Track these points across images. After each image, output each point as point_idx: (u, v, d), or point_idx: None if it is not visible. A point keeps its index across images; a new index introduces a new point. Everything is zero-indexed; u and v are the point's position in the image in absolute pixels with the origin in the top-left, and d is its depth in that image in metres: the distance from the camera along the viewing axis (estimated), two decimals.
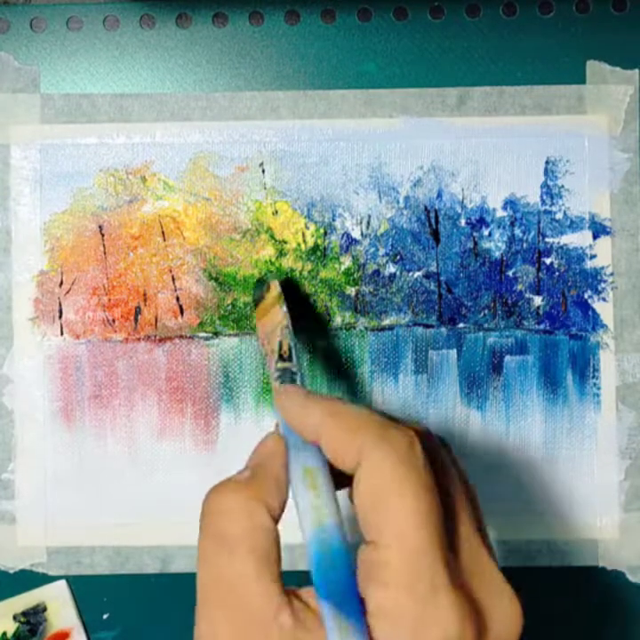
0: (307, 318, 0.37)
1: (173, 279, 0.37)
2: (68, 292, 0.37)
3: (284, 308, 0.32)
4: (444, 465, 0.24)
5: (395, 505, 0.21)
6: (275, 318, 0.32)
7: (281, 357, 0.29)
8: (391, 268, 0.37)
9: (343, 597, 0.21)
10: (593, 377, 0.36)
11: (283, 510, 0.23)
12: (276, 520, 0.23)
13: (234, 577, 0.22)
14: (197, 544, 0.23)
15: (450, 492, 0.23)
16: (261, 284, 0.35)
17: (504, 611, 0.21)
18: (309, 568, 0.22)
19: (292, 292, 0.36)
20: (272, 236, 0.37)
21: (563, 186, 0.37)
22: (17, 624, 0.36)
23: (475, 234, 0.37)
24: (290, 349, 0.29)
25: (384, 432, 0.22)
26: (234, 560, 0.22)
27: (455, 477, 0.24)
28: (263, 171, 0.37)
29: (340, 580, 0.21)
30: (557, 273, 0.37)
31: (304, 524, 0.23)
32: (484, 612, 0.21)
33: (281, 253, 0.37)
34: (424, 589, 0.20)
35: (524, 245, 0.37)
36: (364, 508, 0.22)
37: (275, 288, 0.33)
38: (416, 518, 0.20)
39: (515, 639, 0.22)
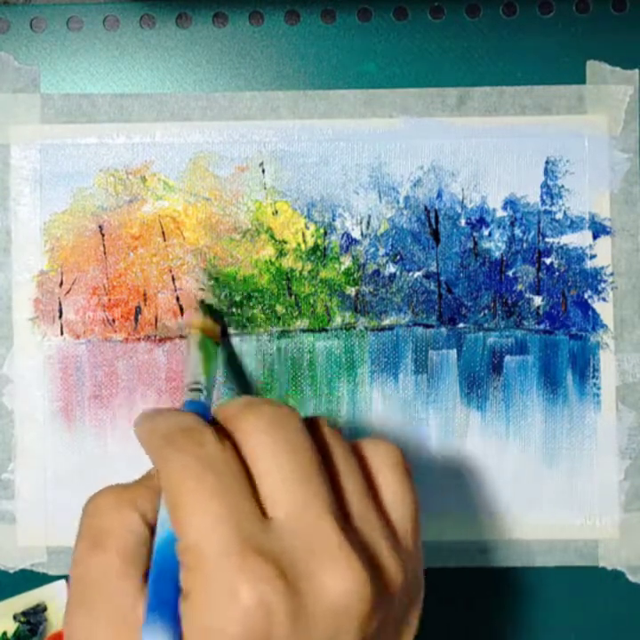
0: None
1: (173, 279, 0.37)
2: (68, 292, 0.37)
3: (193, 333, 0.34)
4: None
5: (189, 509, 0.21)
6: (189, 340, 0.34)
7: (189, 377, 0.31)
8: (391, 268, 0.37)
9: (162, 587, 0.22)
10: (593, 377, 0.37)
11: (153, 512, 0.24)
12: (149, 526, 0.24)
13: (98, 573, 0.22)
14: (75, 542, 0.24)
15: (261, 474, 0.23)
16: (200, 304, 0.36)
17: (323, 576, 0.21)
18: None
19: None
20: (272, 236, 0.37)
21: (563, 186, 0.37)
22: (17, 624, 0.36)
23: (475, 234, 0.37)
24: (193, 367, 0.31)
25: (171, 438, 0.24)
26: (99, 555, 0.23)
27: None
28: (263, 171, 0.37)
29: (166, 585, 0.22)
30: (557, 273, 0.37)
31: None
32: (299, 578, 0.21)
33: (281, 253, 0.37)
34: (226, 569, 0.20)
35: (524, 245, 0.37)
36: (170, 514, 0.22)
37: (199, 310, 0.36)
38: (213, 519, 0.21)
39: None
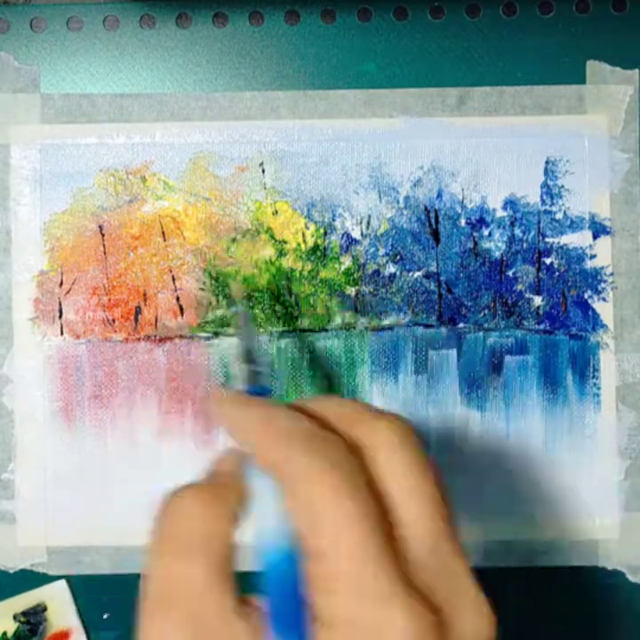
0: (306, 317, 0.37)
1: (173, 279, 0.37)
2: (68, 292, 0.37)
3: (240, 309, 0.33)
4: (391, 461, 0.22)
5: (327, 515, 0.20)
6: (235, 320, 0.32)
7: (243, 359, 0.29)
8: (391, 268, 0.37)
9: (287, 609, 0.21)
10: (593, 377, 0.37)
11: (240, 518, 0.23)
12: (235, 529, 0.22)
13: (183, 584, 0.21)
14: (151, 541, 0.23)
15: (402, 487, 0.22)
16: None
17: (470, 611, 0.21)
18: (261, 574, 0.22)
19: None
20: (272, 236, 0.37)
21: (563, 186, 0.37)
22: (17, 624, 0.36)
23: (475, 234, 0.37)
24: (248, 351, 0.29)
25: (304, 442, 0.21)
26: (185, 567, 0.21)
27: (407, 471, 0.22)
28: (263, 171, 0.37)
29: (285, 592, 0.21)
30: (557, 273, 0.37)
31: (256, 533, 0.22)
32: (448, 611, 0.20)
33: (281, 253, 0.37)
34: (374, 595, 0.19)
35: (524, 245, 0.37)
36: (299, 519, 0.21)
37: (236, 288, 0.35)
38: (350, 526, 0.20)
39: None
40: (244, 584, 0.23)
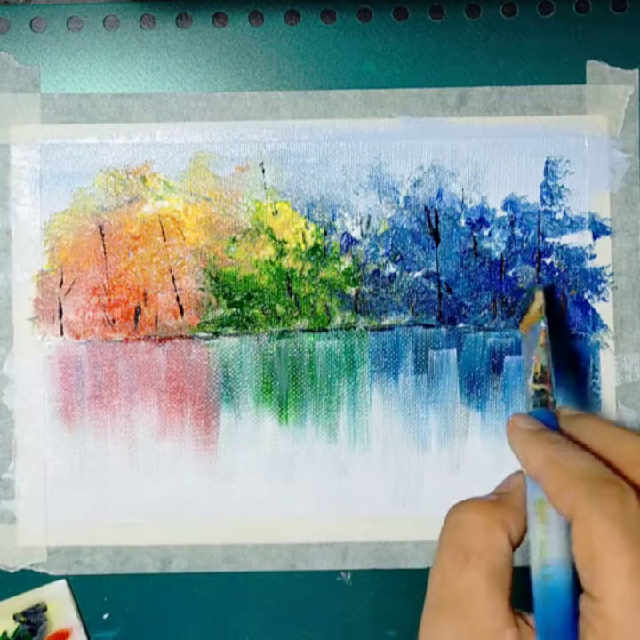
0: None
1: (173, 279, 0.37)
2: (68, 292, 0.37)
3: (543, 324, 0.31)
4: None
5: (607, 563, 0.21)
6: (534, 334, 0.31)
7: (534, 378, 0.28)
8: (391, 268, 0.37)
9: (558, 636, 0.22)
10: (593, 377, 0.37)
11: (521, 540, 0.24)
12: (513, 548, 0.23)
13: (465, 588, 0.22)
14: (437, 549, 0.24)
15: None
16: (529, 294, 0.34)
17: None
18: (534, 602, 0.23)
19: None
20: (272, 236, 0.37)
21: (563, 186, 0.37)
22: (17, 624, 0.36)
23: (475, 234, 0.37)
24: (542, 370, 0.29)
25: (594, 488, 0.22)
26: (467, 573, 0.23)
27: None
28: (263, 171, 0.37)
29: (557, 619, 0.22)
30: (557, 273, 0.37)
31: (531, 557, 0.23)
32: None
33: (281, 253, 0.37)
34: None
35: (524, 245, 0.37)
36: (580, 561, 0.22)
37: (539, 300, 0.32)
38: (629, 576, 0.20)
39: None
40: None
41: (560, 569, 0.22)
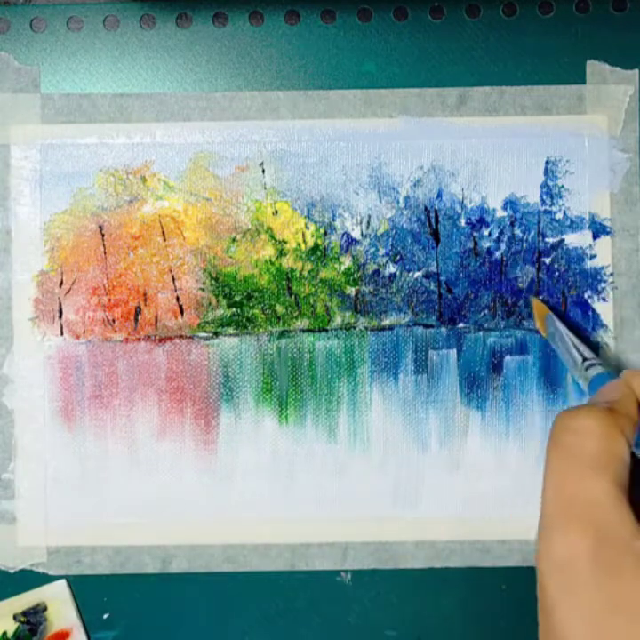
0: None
1: (173, 279, 0.37)
2: (68, 292, 0.37)
3: (551, 315, 0.34)
4: None
5: None
6: (552, 326, 0.34)
7: (581, 356, 0.31)
8: (391, 268, 0.37)
9: None
10: None
11: (631, 450, 0.23)
12: (629, 451, 0.23)
13: (591, 497, 0.22)
14: (548, 459, 0.23)
15: None
16: (528, 304, 0.37)
17: None
18: None
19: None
20: (272, 236, 0.37)
21: (563, 186, 0.37)
22: (17, 624, 0.36)
23: (475, 234, 0.37)
24: (580, 344, 0.32)
25: None
26: (591, 480, 0.22)
27: None
28: (263, 171, 0.37)
29: None
30: (557, 273, 0.37)
31: None
32: None
33: (281, 253, 0.37)
34: None
35: (524, 245, 0.37)
36: None
37: (535, 302, 0.36)
38: None
39: None
40: None
41: None
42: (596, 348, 0.36)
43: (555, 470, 0.23)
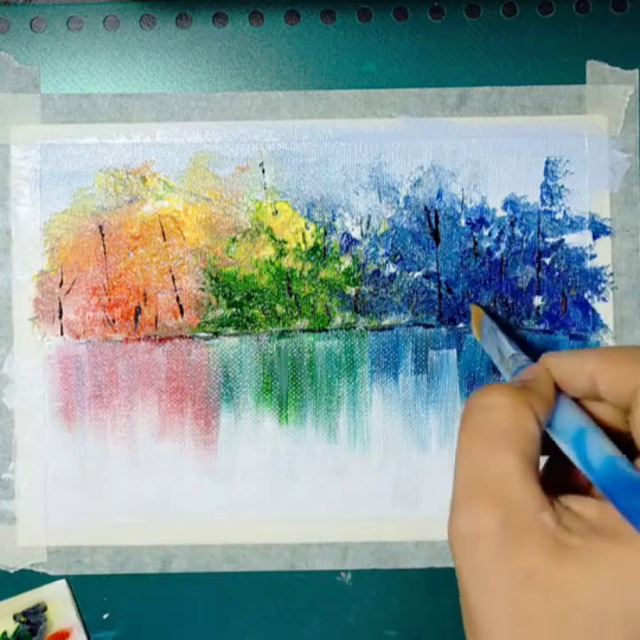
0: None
1: (173, 279, 0.37)
2: (68, 292, 0.37)
3: (487, 320, 0.35)
4: None
5: None
6: (486, 327, 0.34)
7: (511, 354, 0.31)
8: (391, 268, 0.37)
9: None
10: None
11: (543, 428, 0.23)
12: (540, 429, 0.23)
13: (497, 471, 0.21)
14: (458, 437, 0.23)
15: None
16: (468, 314, 0.37)
17: None
18: (596, 483, 0.22)
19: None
20: (272, 236, 0.37)
21: (563, 186, 0.37)
22: (17, 624, 0.36)
23: (475, 234, 0.37)
24: (509, 344, 0.31)
25: None
26: (498, 456, 0.22)
27: None
28: (263, 171, 0.37)
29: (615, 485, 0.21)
30: (557, 273, 0.37)
31: (569, 443, 0.23)
32: None
33: (281, 253, 0.37)
34: None
35: (524, 245, 0.37)
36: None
37: (474, 308, 0.36)
38: None
39: None
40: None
41: (603, 449, 0.22)
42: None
43: (463, 447, 0.23)
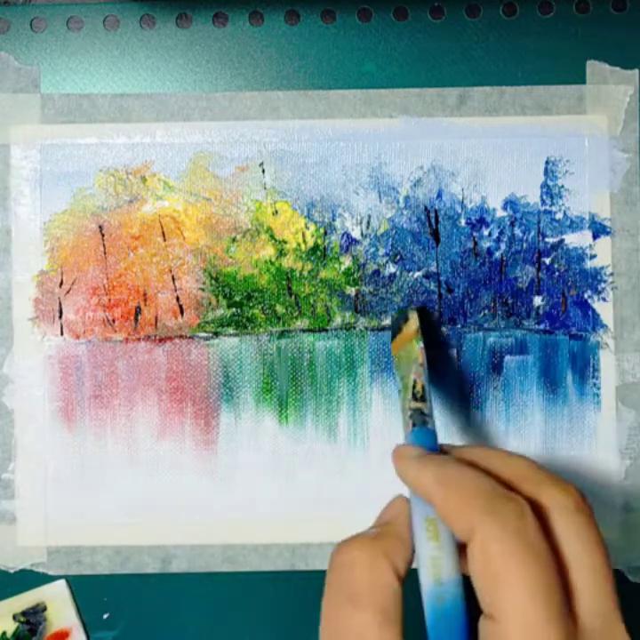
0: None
1: (173, 279, 0.37)
2: (68, 292, 0.37)
3: (421, 345, 0.31)
4: (567, 524, 0.23)
5: (507, 581, 0.20)
6: (411, 354, 0.31)
7: (414, 397, 0.28)
8: (391, 268, 0.37)
9: None
10: (593, 377, 0.37)
11: (407, 570, 0.23)
12: (401, 580, 0.23)
13: (354, 631, 0.22)
14: (324, 592, 0.23)
15: (576, 551, 0.22)
16: (401, 314, 0.35)
17: None
18: (426, 622, 0.22)
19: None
20: (272, 236, 0.37)
21: (563, 186, 0.37)
22: (17, 624, 0.36)
23: (475, 234, 0.37)
24: (423, 389, 0.29)
25: (492, 504, 0.22)
26: (355, 613, 0.22)
27: (582, 546, 0.22)
28: (263, 171, 0.37)
29: (452, 638, 0.21)
30: (557, 273, 0.37)
31: (422, 576, 0.23)
32: None
33: (281, 253, 0.37)
34: None
35: (524, 245, 0.37)
36: (479, 581, 0.21)
37: (414, 321, 0.33)
38: (529, 594, 0.20)
39: None
40: None
41: (454, 587, 0.22)
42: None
43: (325, 605, 0.23)
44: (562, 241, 0.37)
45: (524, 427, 0.37)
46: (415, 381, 0.29)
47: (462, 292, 0.37)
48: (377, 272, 0.37)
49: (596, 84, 0.36)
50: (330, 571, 0.24)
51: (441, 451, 0.27)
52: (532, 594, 0.20)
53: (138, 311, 0.37)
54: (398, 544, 0.23)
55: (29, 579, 0.36)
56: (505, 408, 0.37)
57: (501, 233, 0.37)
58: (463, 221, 0.37)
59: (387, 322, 0.37)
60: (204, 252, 0.37)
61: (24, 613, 0.36)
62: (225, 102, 0.37)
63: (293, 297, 0.37)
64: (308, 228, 0.37)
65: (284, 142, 0.37)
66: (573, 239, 0.37)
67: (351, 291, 0.37)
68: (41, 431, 0.36)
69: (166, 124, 0.37)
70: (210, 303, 0.37)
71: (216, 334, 0.37)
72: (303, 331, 0.37)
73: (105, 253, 0.37)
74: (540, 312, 0.37)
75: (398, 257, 0.37)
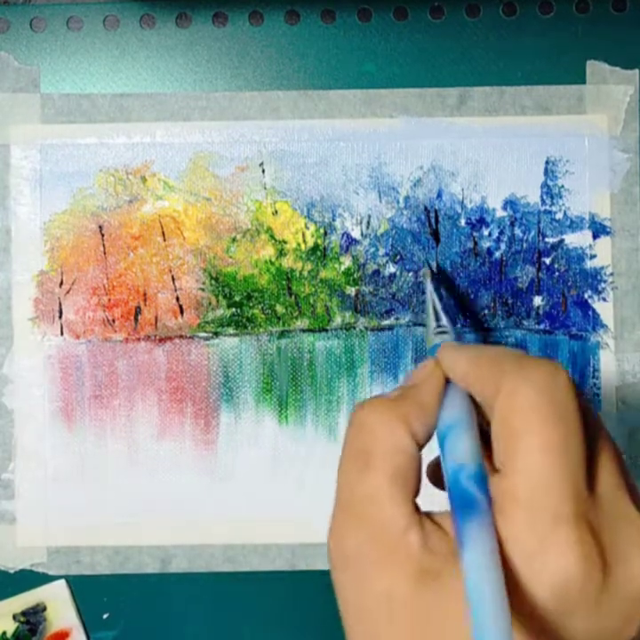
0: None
1: (173, 279, 0.37)
2: (68, 292, 0.37)
3: (430, 282, 0.35)
4: (591, 409, 0.22)
5: (524, 431, 0.20)
6: (426, 295, 0.35)
7: (436, 318, 0.32)
8: (391, 268, 0.37)
9: (475, 509, 0.20)
10: (593, 377, 0.36)
11: (428, 436, 0.22)
12: (419, 445, 0.22)
13: (366, 492, 0.21)
14: (340, 455, 0.23)
15: (596, 434, 0.21)
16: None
17: (634, 561, 0.20)
18: (447, 490, 0.21)
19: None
20: (272, 236, 0.37)
21: (563, 186, 0.37)
22: (17, 624, 0.36)
23: (475, 234, 0.37)
24: (436, 312, 0.32)
25: (522, 362, 0.21)
26: (368, 476, 0.21)
27: (601, 422, 0.22)
28: (263, 171, 0.37)
29: (469, 508, 0.20)
30: (557, 273, 0.37)
31: (445, 449, 0.22)
32: (613, 558, 0.19)
33: (281, 253, 0.37)
34: (544, 523, 0.19)
35: (524, 245, 0.37)
36: (498, 436, 0.21)
37: (424, 271, 0.37)
38: (545, 449, 0.19)
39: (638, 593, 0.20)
40: None
41: (472, 460, 0.21)
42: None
43: (343, 464, 0.22)
44: (562, 241, 0.37)
45: None
46: (433, 308, 0.33)
47: (462, 291, 0.37)
48: (377, 272, 0.37)
49: (596, 83, 0.36)
50: (347, 432, 0.23)
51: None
52: (548, 449, 0.19)
53: (138, 311, 0.37)
54: (418, 409, 0.22)
55: (29, 579, 0.36)
56: None
57: (501, 233, 0.37)
58: (463, 221, 0.37)
59: (387, 322, 0.37)
60: (204, 252, 0.37)
61: (24, 613, 0.36)
62: (225, 102, 0.37)
63: (293, 297, 0.37)
64: (307, 228, 0.37)
65: (283, 142, 0.37)
66: (573, 239, 0.37)
67: (351, 291, 0.37)
68: (41, 431, 0.36)
69: (166, 124, 0.37)
70: (210, 303, 0.37)
71: (216, 334, 0.37)
72: (303, 331, 0.37)
73: (105, 253, 0.37)
74: (540, 312, 0.37)
75: (398, 257, 0.37)
